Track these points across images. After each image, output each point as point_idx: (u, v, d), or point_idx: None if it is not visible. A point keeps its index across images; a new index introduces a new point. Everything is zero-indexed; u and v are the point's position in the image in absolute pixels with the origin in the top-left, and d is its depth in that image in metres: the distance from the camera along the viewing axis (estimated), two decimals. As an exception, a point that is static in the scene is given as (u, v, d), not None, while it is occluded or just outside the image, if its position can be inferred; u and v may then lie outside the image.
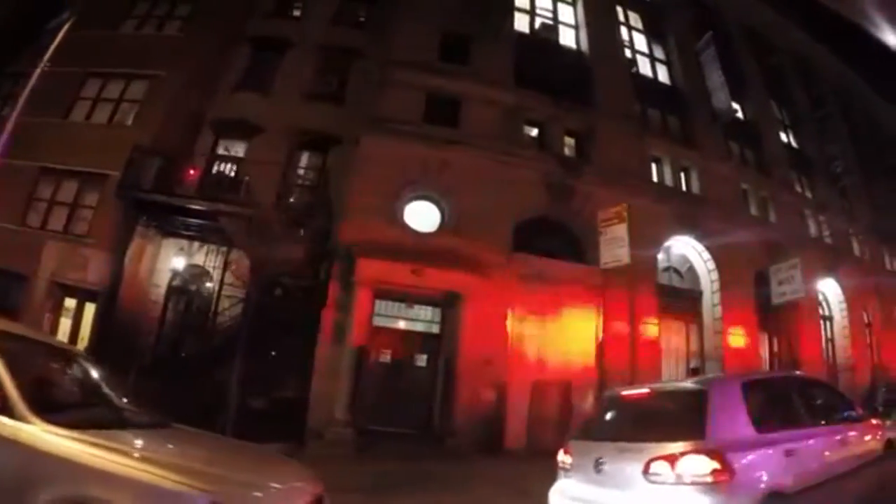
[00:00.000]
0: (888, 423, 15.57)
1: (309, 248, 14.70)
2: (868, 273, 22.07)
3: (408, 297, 14.27)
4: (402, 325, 14.52)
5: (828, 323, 21.22)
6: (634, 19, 20.58)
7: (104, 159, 15.66)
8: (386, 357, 14.22)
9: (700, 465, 4.39)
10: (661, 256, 17.06)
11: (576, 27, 18.94)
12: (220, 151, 17.03)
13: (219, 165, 16.66)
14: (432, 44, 16.46)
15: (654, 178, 17.74)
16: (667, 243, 16.99)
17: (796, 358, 18.80)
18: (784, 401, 5.72)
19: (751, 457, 4.59)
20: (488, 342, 13.72)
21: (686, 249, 17.55)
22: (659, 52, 20.53)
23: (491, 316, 13.88)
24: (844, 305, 21.13)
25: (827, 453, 5.24)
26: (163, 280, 16.25)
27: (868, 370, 20.65)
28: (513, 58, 16.90)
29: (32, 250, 15.32)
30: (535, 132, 16.64)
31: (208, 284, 15.62)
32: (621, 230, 10.40)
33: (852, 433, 5.79)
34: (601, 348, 14.71)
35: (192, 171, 16.03)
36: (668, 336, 16.79)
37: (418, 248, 13.80)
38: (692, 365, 16.92)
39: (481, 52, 16.61)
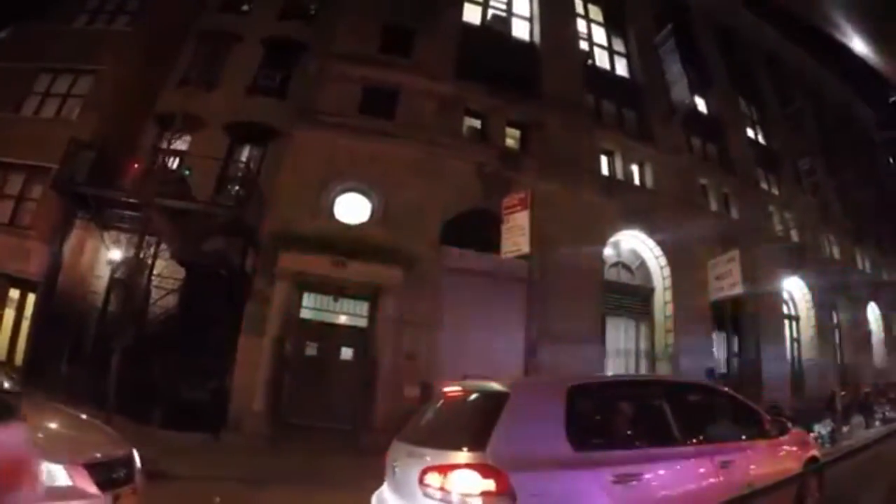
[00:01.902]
0: (845, 429, 14.40)
1: (237, 240, 13.94)
2: (837, 272, 20.79)
3: (336, 291, 13.43)
4: (330, 318, 13.72)
5: (793, 322, 19.99)
6: (595, 12, 19.59)
7: (48, 153, 15.14)
8: (312, 350, 13.45)
9: (470, 483, 3.48)
10: (609, 252, 16.05)
11: (530, 19, 17.99)
12: (164, 145, 16.23)
13: (161, 159, 15.97)
14: (374, 36, 15.69)
15: (605, 172, 16.71)
16: (615, 238, 15.99)
17: (757, 358, 17.69)
18: (637, 412, 4.65)
19: (552, 480, 3.59)
20: (413, 337, 12.89)
21: (637, 245, 16.47)
22: (619, 46, 19.53)
23: (417, 310, 13.05)
24: (811, 305, 19.86)
25: (694, 480, 4.11)
26: (105, 271, 15.63)
27: (835, 371, 19.36)
28: (458, 49, 16.07)
29: (-21, 242, 14.91)
30: (477, 124, 15.68)
31: (148, 276, 14.91)
32: (523, 218, 9.45)
33: (749, 452, 4.68)
34: (534, 345, 13.73)
35: (135, 165, 15.45)
36: (615, 334, 15.85)
37: (344, 241, 13.08)
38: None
39: (424, 44, 15.80)
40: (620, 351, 15.88)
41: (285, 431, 12.00)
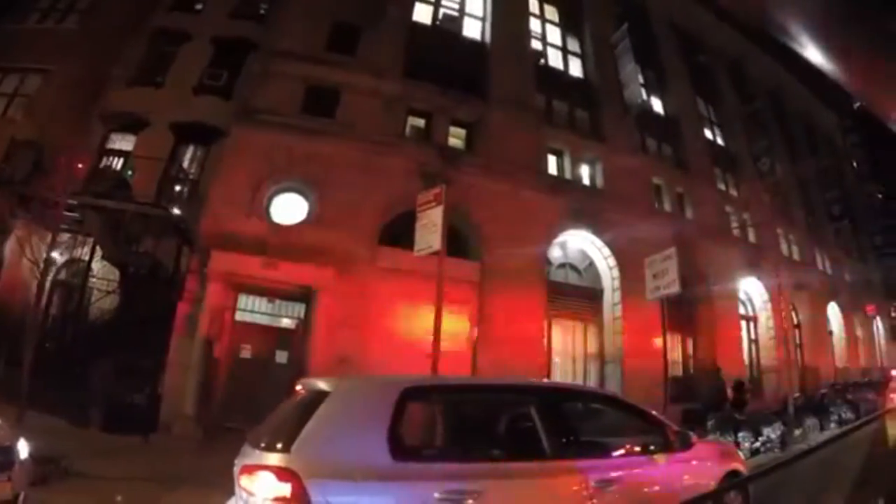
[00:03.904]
0: (797, 432, 13.76)
1: (172, 240, 13.39)
2: (797, 272, 20.22)
3: (270, 292, 12.87)
4: (265, 320, 13.15)
5: (751, 323, 19.44)
6: (550, 12, 19.05)
7: (-7, 153, 14.64)
8: (247, 353, 12.86)
9: (267, 486, 3.08)
10: (557, 253, 15.50)
11: (483, 18, 17.44)
12: (110, 145, 15.72)
13: (106, 159, 15.46)
14: (321, 34, 15.12)
15: (554, 171, 16.16)
16: (562, 238, 15.43)
17: (713, 360, 17.12)
18: (493, 421, 4.18)
19: (362, 492, 3.11)
20: (347, 339, 12.31)
21: (585, 245, 15.90)
22: (574, 46, 18.98)
23: (351, 312, 12.48)
24: (769, 305, 19.30)
25: (556, 502, 3.58)
26: (48, 273, 15.06)
27: (795, 372, 18.78)
28: (406, 48, 15.52)
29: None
30: (421, 123, 15.13)
31: (84, 278, 14.34)
32: (437, 214, 8.86)
33: (642, 469, 4.10)
34: (475, 348, 13.18)
35: (78, 165, 14.92)
36: (562, 336, 15.31)
37: (278, 242, 12.54)
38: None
39: (372, 43, 15.22)
40: (567, 353, 15.32)
41: (216, 434, 11.47)
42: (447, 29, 16.73)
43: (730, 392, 14.10)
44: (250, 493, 3.16)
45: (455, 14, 17.16)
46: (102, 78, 16.22)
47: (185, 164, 15.02)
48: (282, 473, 3.04)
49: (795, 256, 21.45)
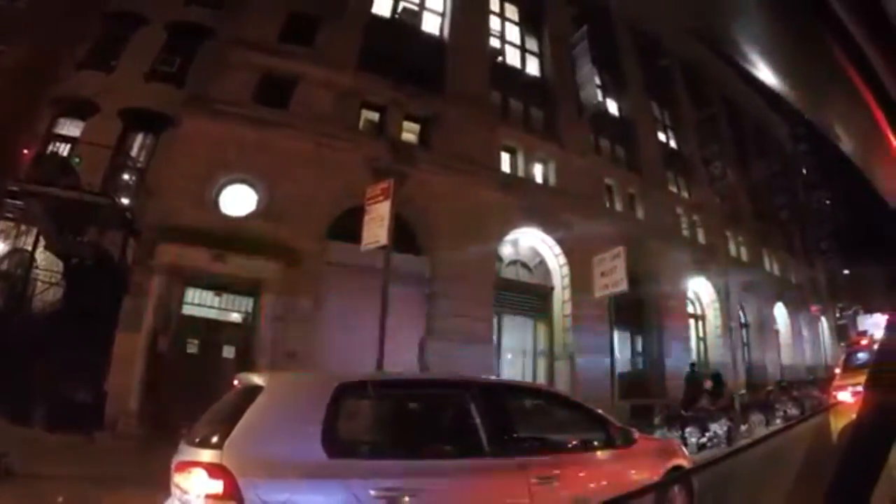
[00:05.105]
0: (743, 428, 14.22)
1: (118, 231, 13.16)
2: (745, 273, 20.91)
3: (218, 286, 12.75)
4: (213, 314, 12.98)
5: (699, 322, 20.03)
6: (511, 11, 19.18)
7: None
8: (194, 348, 12.70)
9: (199, 483, 3.06)
10: (508, 250, 15.72)
11: (442, 14, 17.47)
12: (57, 130, 15.33)
13: (53, 145, 15.07)
14: (278, 23, 14.92)
15: (507, 169, 16.35)
16: (513, 236, 15.65)
17: (660, 357, 17.64)
18: (430, 417, 4.25)
19: (296, 489, 3.10)
20: (296, 334, 12.31)
21: (536, 243, 16.17)
22: (533, 45, 19.16)
23: (299, 306, 12.46)
24: (717, 305, 19.92)
25: (494, 498, 3.60)
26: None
27: (742, 370, 19.48)
28: (364, 41, 15.40)
29: None
30: (375, 117, 15.13)
31: (28, 269, 14.02)
32: (384, 208, 8.88)
33: (584, 465, 4.17)
34: (423, 344, 13.30)
35: (24, 151, 14.51)
36: (511, 333, 15.50)
37: (226, 234, 12.32)
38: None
39: (329, 34, 15.10)
40: (517, 350, 15.57)
41: (162, 432, 11.23)
42: (406, 23, 16.71)
43: (707, 383, 14.55)
44: (184, 491, 3.14)
45: (415, 8, 17.16)
46: (51, 60, 15.79)
47: (134, 152, 14.74)
48: (214, 470, 3.03)
49: (744, 258, 22.16)
